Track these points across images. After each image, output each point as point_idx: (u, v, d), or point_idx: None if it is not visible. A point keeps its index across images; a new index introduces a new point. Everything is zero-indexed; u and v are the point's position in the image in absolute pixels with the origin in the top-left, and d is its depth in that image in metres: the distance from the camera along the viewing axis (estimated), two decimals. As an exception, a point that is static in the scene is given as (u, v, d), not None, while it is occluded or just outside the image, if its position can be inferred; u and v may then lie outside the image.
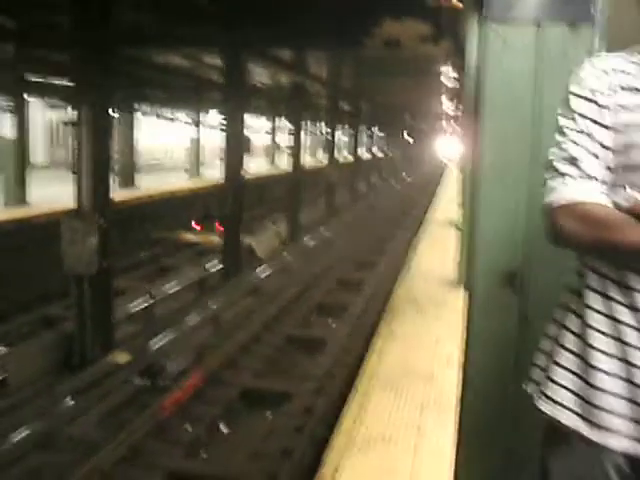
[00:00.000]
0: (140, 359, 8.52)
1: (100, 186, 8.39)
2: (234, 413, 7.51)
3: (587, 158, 1.51)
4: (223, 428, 7.17)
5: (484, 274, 2.33)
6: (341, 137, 29.37)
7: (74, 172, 8.48)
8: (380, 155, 38.61)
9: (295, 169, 18.26)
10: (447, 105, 24.61)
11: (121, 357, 8.35)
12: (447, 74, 14.45)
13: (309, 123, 26.72)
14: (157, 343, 9.25)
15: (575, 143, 1.53)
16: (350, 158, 28.37)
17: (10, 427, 6.54)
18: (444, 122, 44.82)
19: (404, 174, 42.58)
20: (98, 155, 8.32)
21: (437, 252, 10.45)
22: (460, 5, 6.40)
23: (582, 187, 1.50)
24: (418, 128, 46.52)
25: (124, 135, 17.91)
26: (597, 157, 1.51)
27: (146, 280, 12.99)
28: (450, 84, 15.44)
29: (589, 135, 1.52)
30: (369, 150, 34.32)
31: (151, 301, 11.06)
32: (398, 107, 30.37)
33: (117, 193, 10.65)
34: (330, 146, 22.77)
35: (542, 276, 2.26)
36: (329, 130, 23.14)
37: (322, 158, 26.70)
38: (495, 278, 2.29)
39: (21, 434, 6.47)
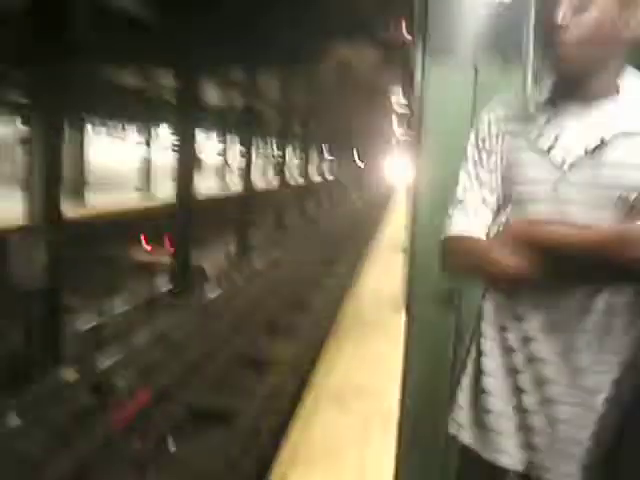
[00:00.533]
0: (88, 376, 8.50)
1: (50, 201, 8.38)
2: (182, 430, 7.54)
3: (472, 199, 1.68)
4: (170, 445, 7.19)
5: (422, 293, 2.49)
6: (292, 158, 29.53)
7: (21, 186, 8.48)
8: (330, 177, 38.91)
9: (245, 190, 18.36)
10: (397, 129, 25.04)
11: (69, 374, 8.32)
12: (397, 99, 14.78)
13: (260, 143, 26.80)
14: (105, 361, 9.22)
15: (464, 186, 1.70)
16: (301, 180, 28.56)
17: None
18: (394, 145, 45.47)
19: (354, 196, 42.93)
20: (48, 170, 8.32)
21: (384, 274, 10.64)
22: (409, 36, 6.64)
23: (466, 222, 1.66)
24: (369, 151, 47.05)
25: (74, 152, 17.81)
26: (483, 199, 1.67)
27: (94, 297, 12.90)
28: (400, 109, 15.77)
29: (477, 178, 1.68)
30: (320, 172, 34.57)
31: (100, 319, 11.02)
32: (350, 129, 30.71)
33: (67, 210, 10.61)
34: (280, 167, 22.93)
35: (476, 294, 2.42)
36: (279, 151, 23.34)
37: (273, 179, 26.83)
38: (432, 296, 2.44)
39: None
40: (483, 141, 1.69)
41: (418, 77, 2.64)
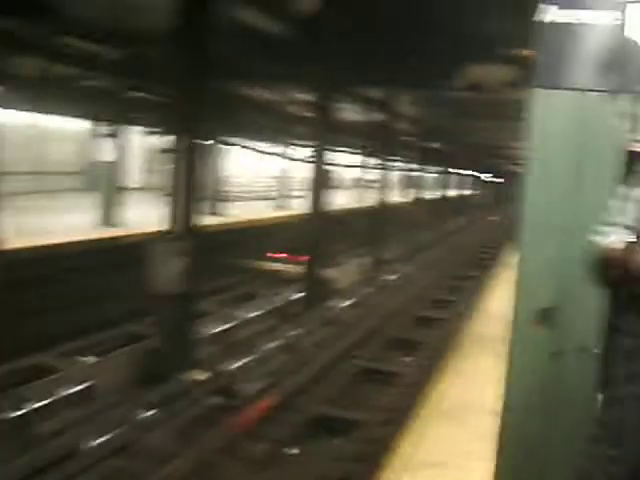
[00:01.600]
0: (217, 378, 8.87)
1: (190, 211, 8.85)
2: (302, 437, 7.75)
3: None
4: (290, 450, 7.41)
5: (524, 310, 2.56)
6: (427, 175, 29.47)
7: (165, 195, 8.98)
8: (466, 194, 38.53)
9: (379, 205, 18.52)
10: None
11: (200, 375, 8.72)
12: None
13: (395, 160, 26.95)
14: (234, 365, 9.58)
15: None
16: (436, 196, 28.44)
17: (92, 432, 6.96)
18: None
19: (495, 213, 42.30)
20: (189, 181, 8.79)
21: (510, 294, 10.49)
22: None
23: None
24: (504, 170, 46.24)
25: (213, 165, 18.55)
26: None
27: (228, 304, 13.41)
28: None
29: None
30: (455, 189, 34.32)
31: (232, 324, 11.45)
32: (485, 148, 30.36)
33: (204, 219, 11.11)
34: (415, 184, 22.97)
35: (575, 313, 2.47)
36: (415, 168, 23.38)
37: (407, 195, 26.87)
38: (533, 314, 2.51)
39: (101, 438, 6.87)
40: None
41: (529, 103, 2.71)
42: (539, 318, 2.55)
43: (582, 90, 2.47)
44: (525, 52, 7.72)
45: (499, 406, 5.31)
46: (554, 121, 2.52)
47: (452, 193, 33.78)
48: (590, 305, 2.42)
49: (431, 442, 4.51)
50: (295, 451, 7.41)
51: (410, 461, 4.14)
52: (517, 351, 2.60)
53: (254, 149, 18.08)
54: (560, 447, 2.55)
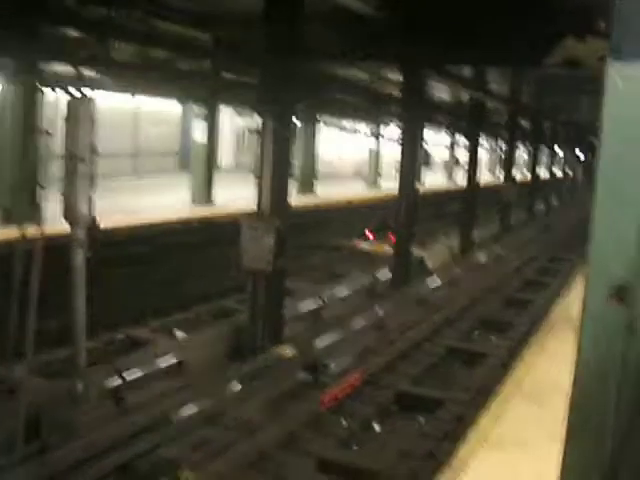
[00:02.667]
0: (305, 355, 9.05)
1: (279, 190, 9.01)
2: (387, 414, 7.85)
3: None
4: (376, 426, 7.52)
5: (596, 287, 2.56)
6: (520, 155, 28.89)
7: (257, 175, 9.16)
8: (560, 175, 37.56)
9: (470, 185, 18.31)
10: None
11: (288, 351, 8.91)
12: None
13: (487, 139, 26.52)
14: (322, 342, 9.74)
15: None
16: (528, 176, 27.86)
17: (184, 403, 7.23)
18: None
19: (584, 197, 41.17)
20: (279, 161, 8.94)
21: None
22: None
23: None
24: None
25: (306, 144, 18.73)
26: None
27: (316, 283, 13.59)
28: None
29: None
30: (548, 169, 33.48)
31: (320, 303, 11.61)
32: (580, 126, 29.51)
33: (296, 198, 11.29)
34: (507, 164, 22.57)
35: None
36: (507, 147, 22.96)
37: (499, 175, 26.42)
38: (605, 290, 2.51)
39: (193, 410, 7.13)
40: None
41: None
42: (611, 295, 2.54)
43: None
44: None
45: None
46: (633, 95, 2.49)
47: (546, 172, 33.00)
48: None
49: (512, 421, 4.53)
50: (380, 428, 7.50)
51: (488, 438, 4.18)
52: (589, 328, 2.59)
53: (345, 128, 18.14)
54: (630, 426, 2.55)
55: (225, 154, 24.79)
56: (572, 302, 8.51)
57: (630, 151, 2.53)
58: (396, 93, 14.94)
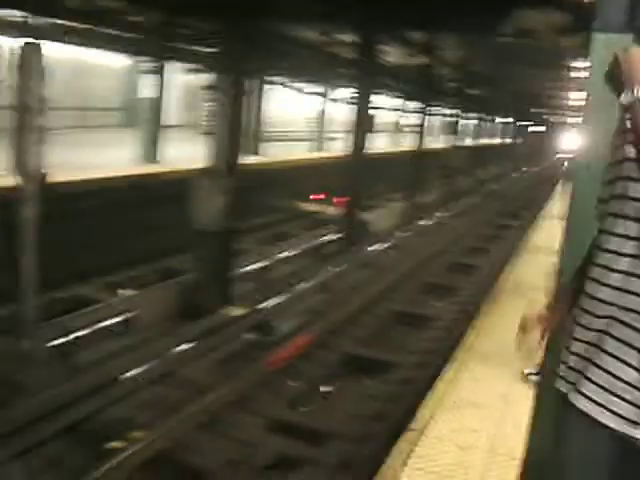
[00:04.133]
0: (253, 316, 9.02)
1: (231, 149, 8.89)
2: (334, 376, 7.88)
3: None
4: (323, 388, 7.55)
5: (571, 259, 2.57)
6: (466, 122, 29.09)
7: (206, 133, 9.02)
8: (508, 143, 38.04)
9: (417, 149, 18.40)
10: (575, 98, 24.12)
11: (236, 311, 8.87)
12: (578, 67, 14.31)
13: (434, 106, 26.60)
14: (270, 303, 9.72)
15: None
16: (473, 143, 28.14)
17: (131, 363, 7.15)
18: (571, 115, 43.76)
19: (531, 164, 41.89)
20: (231, 120, 8.81)
21: (548, 244, 10.48)
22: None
23: None
24: (545, 119, 45.51)
25: (251, 104, 18.46)
26: None
27: (264, 243, 13.55)
28: (580, 76, 15.25)
29: None
30: (492, 137, 33.87)
31: (267, 263, 11.58)
32: (525, 96, 29.83)
33: (245, 158, 11.14)
34: (453, 130, 22.74)
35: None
36: (453, 114, 23.15)
37: (445, 141, 26.61)
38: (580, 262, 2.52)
39: (140, 370, 7.06)
40: None
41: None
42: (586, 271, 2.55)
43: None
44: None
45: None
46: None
47: (492, 141, 33.39)
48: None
49: (467, 384, 4.60)
50: (329, 389, 7.54)
51: (446, 401, 4.24)
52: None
53: (296, 89, 17.97)
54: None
55: (175, 111, 24.30)
56: (520, 268, 8.65)
57: (612, 121, 2.52)
58: (348, 55, 14.81)
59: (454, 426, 3.93)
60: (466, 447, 3.71)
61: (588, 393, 1.83)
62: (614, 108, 2.52)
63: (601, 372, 1.80)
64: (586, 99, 2.69)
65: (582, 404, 1.84)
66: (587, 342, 1.85)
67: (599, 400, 1.80)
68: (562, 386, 1.95)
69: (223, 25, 9.00)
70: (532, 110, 36.93)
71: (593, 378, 1.82)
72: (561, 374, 1.97)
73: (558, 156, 51.47)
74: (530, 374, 4.69)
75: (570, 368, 1.92)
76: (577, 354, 1.89)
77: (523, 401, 4.31)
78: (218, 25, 9.16)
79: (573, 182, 2.71)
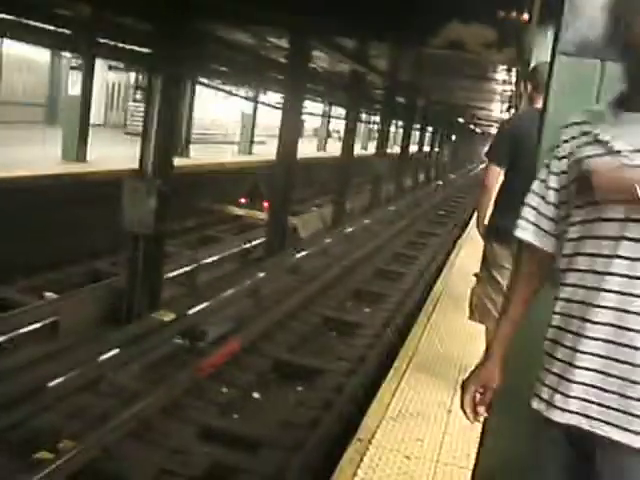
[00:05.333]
0: (182, 321, 8.88)
1: (164, 151, 8.75)
2: (266, 382, 7.84)
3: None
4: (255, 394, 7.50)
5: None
6: (393, 130, 29.43)
7: (129, 134, 8.84)
8: (429, 151, 38.63)
9: (344, 155, 18.48)
10: (499, 111, 24.73)
11: (165, 316, 8.71)
12: (504, 81, 14.69)
13: (363, 113, 26.84)
14: (198, 308, 9.58)
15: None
16: (399, 151, 28.47)
17: (58, 369, 6.93)
18: (494, 126, 44.80)
19: (452, 173, 42.66)
20: (164, 120, 8.66)
21: (478, 253, 10.65)
22: (526, 19, 6.67)
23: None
24: (469, 129, 46.51)
25: (182, 106, 18.25)
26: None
27: (190, 247, 13.39)
28: (505, 90, 15.66)
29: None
30: (419, 146, 34.36)
31: (195, 267, 11.43)
32: (451, 107, 30.44)
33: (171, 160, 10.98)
34: (381, 137, 22.98)
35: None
36: (381, 121, 23.40)
37: (372, 148, 26.85)
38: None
39: (68, 376, 6.85)
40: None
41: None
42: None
43: (606, 60, 2.49)
44: (514, 14, 7.76)
45: (467, 361, 5.45)
46: (573, 88, 2.55)
47: (416, 149, 33.83)
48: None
49: (408, 393, 4.63)
50: (259, 396, 7.49)
51: (390, 410, 4.26)
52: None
53: (223, 91, 17.85)
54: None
55: (99, 110, 23.82)
56: (452, 279, 8.78)
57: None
58: (279, 60, 14.81)
59: (400, 436, 3.95)
60: (413, 457, 3.73)
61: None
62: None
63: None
64: (544, 120, 2.72)
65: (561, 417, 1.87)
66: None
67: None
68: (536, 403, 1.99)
69: (154, 24, 8.86)
70: (458, 120, 37.72)
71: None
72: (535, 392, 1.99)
73: (483, 165, 52.68)
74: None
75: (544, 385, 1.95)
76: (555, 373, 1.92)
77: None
78: (149, 24, 9.02)
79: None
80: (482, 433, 2.85)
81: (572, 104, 2.58)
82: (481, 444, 2.86)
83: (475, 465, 2.80)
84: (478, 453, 2.85)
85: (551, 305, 2.06)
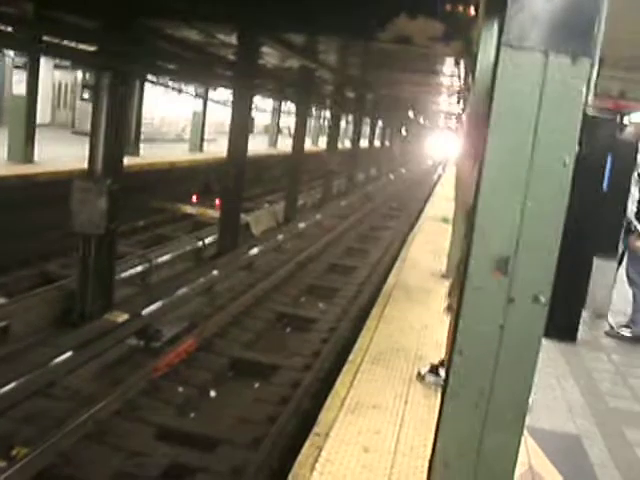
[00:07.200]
0: (136, 321, 8.81)
1: (113, 150, 8.65)
2: (223, 380, 7.82)
3: None
4: (212, 393, 7.48)
5: (478, 260, 2.66)
6: (343, 125, 29.49)
7: (76, 133, 8.73)
8: (380, 146, 38.81)
9: (295, 151, 18.47)
10: (447, 104, 24.95)
11: (119, 317, 8.64)
12: (452, 74, 14.83)
13: (313, 108, 26.83)
14: (152, 307, 9.51)
15: None
16: (350, 146, 28.56)
17: (11, 373, 6.82)
18: (443, 120, 45.30)
19: (402, 167, 42.92)
20: (114, 119, 8.57)
21: (429, 245, 10.79)
22: (473, 13, 6.75)
23: None
24: (418, 123, 46.83)
25: (131, 104, 18.05)
26: None
27: (142, 246, 13.27)
28: (454, 84, 15.80)
29: None
30: (369, 140, 34.49)
31: (147, 266, 11.33)
32: (400, 101, 30.60)
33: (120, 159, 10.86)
34: (332, 132, 23.03)
35: (529, 263, 2.60)
36: (332, 116, 23.45)
37: (322, 144, 26.89)
38: (488, 263, 2.62)
39: (21, 381, 6.75)
40: None
41: (488, 57, 2.78)
42: (494, 266, 2.66)
43: (546, 53, 2.54)
44: (460, 8, 7.86)
45: (422, 351, 5.52)
46: (518, 81, 2.60)
47: (366, 143, 33.95)
48: (543, 255, 2.56)
49: (364, 385, 4.67)
50: (215, 394, 7.47)
51: (347, 403, 4.29)
52: (471, 296, 2.69)
53: (173, 88, 17.70)
54: (508, 389, 2.69)
55: (40, 110, 23.41)
56: (405, 272, 8.85)
57: (517, 131, 2.64)
58: (228, 56, 14.72)
59: (357, 428, 3.99)
60: (371, 449, 3.77)
61: None
62: (516, 119, 2.64)
63: None
64: (491, 111, 2.76)
65: None
66: None
67: None
68: None
69: (102, 21, 8.75)
70: (408, 114, 37.94)
71: None
72: None
73: (432, 159, 53.27)
74: (426, 374, 4.82)
75: None
76: None
77: (421, 400, 4.43)
78: (97, 21, 8.90)
79: (478, 185, 2.77)
80: (438, 419, 2.89)
81: (516, 97, 2.65)
82: (437, 430, 2.90)
83: (432, 452, 2.84)
84: (435, 440, 2.89)
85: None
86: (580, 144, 2.60)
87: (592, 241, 6.79)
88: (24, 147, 13.67)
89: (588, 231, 6.52)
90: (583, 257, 6.75)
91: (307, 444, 3.73)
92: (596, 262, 7.20)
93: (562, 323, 6.19)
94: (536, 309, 2.63)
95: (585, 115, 2.59)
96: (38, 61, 13.91)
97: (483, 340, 2.69)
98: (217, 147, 19.28)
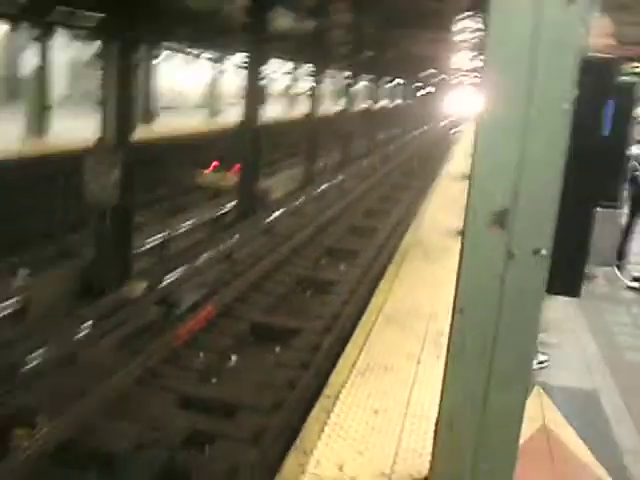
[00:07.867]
0: (156, 290, 8.84)
1: (124, 121, 8.60)
2: (243, 345, 7.84)
3: None
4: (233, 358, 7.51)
5: (476, 214, 2.61)
6: (361, 85, 29.18)
7: (95, 105, 8.68)
8: (400, 104, 38.44)
9: (312, 115, 18.32)
10: (467, 59, 24.58)
11: (138, 287, 8.67)
12: (470, 28, 14.61)
13: (330, 69, 26.55)
14: (172, 276, 9.54)
15: None
16: (368, 106, 28.28)
17: (32, 345, 6.89)
18: (464, 75, 44.73)
19: (425, 125, 42.54)
20: (123, 91, 8.51)
21: (447, 203, 10.69)
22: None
23: None
24: (439, 80, 46.26)
25: (145, 74, 17.98)
26: None
27: (162, 216, 13.27)
28: (472, 38, 15.58)
29: None
30: (389, 99, 34.13)
31: (167, 236, 11.35)
32: (420, 59, 30.19)
33: (137, 130, 10.83)
34: (349, 93, 22.81)
35: (528, 216, 2.54)
36: (349, 77, 23.23)
37: (341, 104, 26.66)
38: (486, 217, 2.57)
39: (45, 354, 6.81)
40: None
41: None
42: (492, 221, 2.61)
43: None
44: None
45: (437, 309, 5.49)
46: (512, 24, 2.52)
47: (384, 103, 33.60)
48: (543, 208, 2.51)
49: (376, 347, 4.65)
50: (237, 359, 7.49)
51: (358, 366, 4.27)
52: (470, 253, 2.66)
53: (188, 55, 17.60)
54: (511, 346, 2.66)
55: (62, 82, 23.31)
56: (421, 231, 8.79)
57: (513, 76, 2.57)
58: (241, 21, 14.58)
59: (367, 390, 3.97)
60: (381, 411, 3.76)
61: None
62: (509, 66, 2.56)
63: None
64: (485, 67, 2.70)
65: None
66: None
67: None
68: None
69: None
70: (423, 72, 37.50)
71: None
72: None
73: (454, 116, 52.69)
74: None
75: None
76: None
77: (433, 361, 4.40)
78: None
79: (476, 137, 2.71)
80: (443, 380, 2.87)
81: (511, 42, 2.58)
82: (442, 392, 2.88)
83: (438, 414, 2.83)
84: (441, 399, 2.88)
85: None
86: (579, 87, 2.52)
87: (594, 190, 6.62)
88: (40, 121, 13.65)
89: (589, 179, 6.37)
90: (584, 207, 6.60)
91: (315, 408, 3.73)
92: (599, 212, 7.02)
93: (565, 277, 6.11)
94: (537, 262, 2.59)
95: (584, 58, 2.51)
96: (50, 34, 13.81)
97: (484, 297, 2.66)
98: (234, 114, 19.14)
